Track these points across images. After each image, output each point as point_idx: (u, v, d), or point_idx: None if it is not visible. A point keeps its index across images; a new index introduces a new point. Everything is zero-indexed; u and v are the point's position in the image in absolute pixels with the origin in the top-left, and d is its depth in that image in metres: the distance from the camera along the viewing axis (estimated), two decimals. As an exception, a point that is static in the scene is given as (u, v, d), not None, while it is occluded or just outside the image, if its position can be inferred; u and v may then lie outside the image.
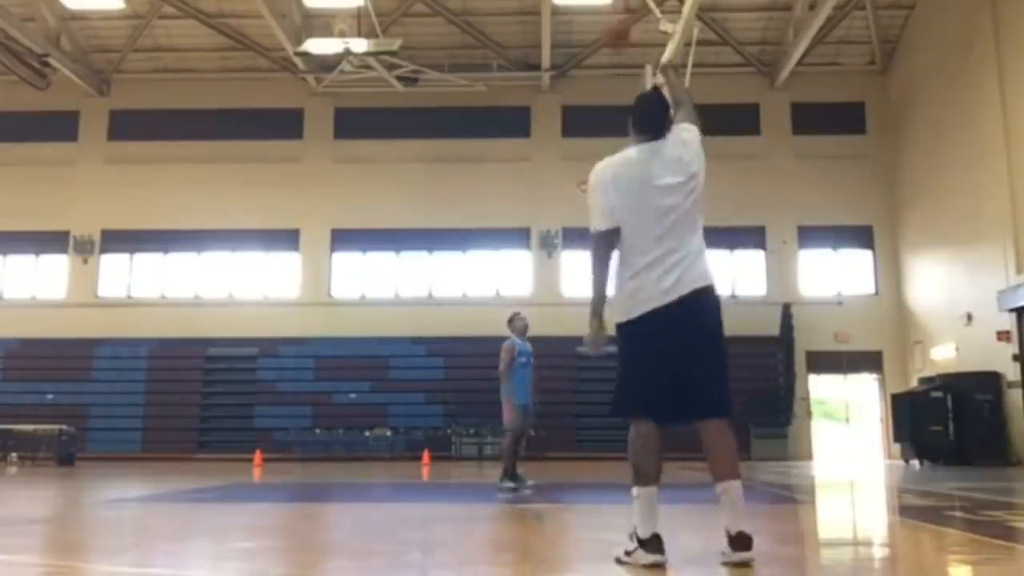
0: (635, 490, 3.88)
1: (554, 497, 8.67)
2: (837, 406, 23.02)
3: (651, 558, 3.76)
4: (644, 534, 3.80)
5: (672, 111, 4.23)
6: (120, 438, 21.17)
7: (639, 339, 3.93)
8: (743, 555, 3.73)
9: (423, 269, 22.82)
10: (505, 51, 22.54)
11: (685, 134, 4.14)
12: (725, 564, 3.79)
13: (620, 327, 4.01)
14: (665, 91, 4.51)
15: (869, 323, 21.79)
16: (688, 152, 4.07)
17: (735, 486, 3.81)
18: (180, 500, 8.52)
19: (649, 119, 4.12)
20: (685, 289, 3.88)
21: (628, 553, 3.86)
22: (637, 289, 3.94)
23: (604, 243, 4.08)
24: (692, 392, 3.88)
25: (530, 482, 9.24)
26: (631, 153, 4.10)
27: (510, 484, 8.97)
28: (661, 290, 3.87)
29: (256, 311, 22.40)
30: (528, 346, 9.45)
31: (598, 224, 4.10)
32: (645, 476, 3.87)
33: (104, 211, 22.90)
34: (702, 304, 3.92)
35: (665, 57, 5.05)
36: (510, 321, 9.66)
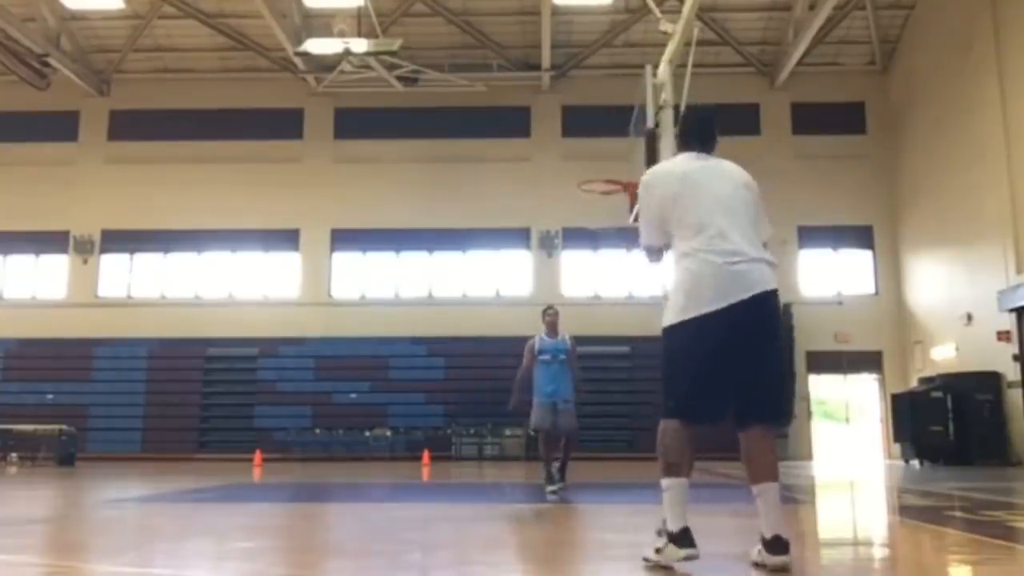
0: (665, 482, 3.76)
1: (554, 497, 8.66)
2: (837, 406, 23.01)
3: (683, 552, 3.66)
4: (674, 528, 3.70)
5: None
6: (120, 438, 21.17)
7: (694, 338, 3.76)
8: (779, 559, 3.63)
9: (423, 269, 22.82)
10: (505, 51, 22.54)
11: (736, 165, 4.14)
12: (759, 566, 3.72)
13: (674, 327, 3.83)
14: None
15: (869, 323, 21.79)
16: (740, 170, 4.09)
17: (773, 488, 3.72)
18: (180, 500, 8.52)
19: (703, 132, 4.11)
20: (748, 291, 3.73)
21: (658, 551, 3.75)
22: (695, 287, 3.76)
23: (654, 256, 4.09)
24: (754, 398, 3.78)
25: (552, 488, 8.51)
26: (682, 159, 4.09)
27: (550, 487, 8.47)
28: (723, 286, 3.71)
29: (256, 311, 22.40)
30: (563, 343, 8.96)
31: (648, 239, 4.05)
32: (676, 467, 3.75)
33: (104, 211, 22.90)
34: (765, 310, 3.79)
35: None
36: (542, 316, 9.27)
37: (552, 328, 9.04)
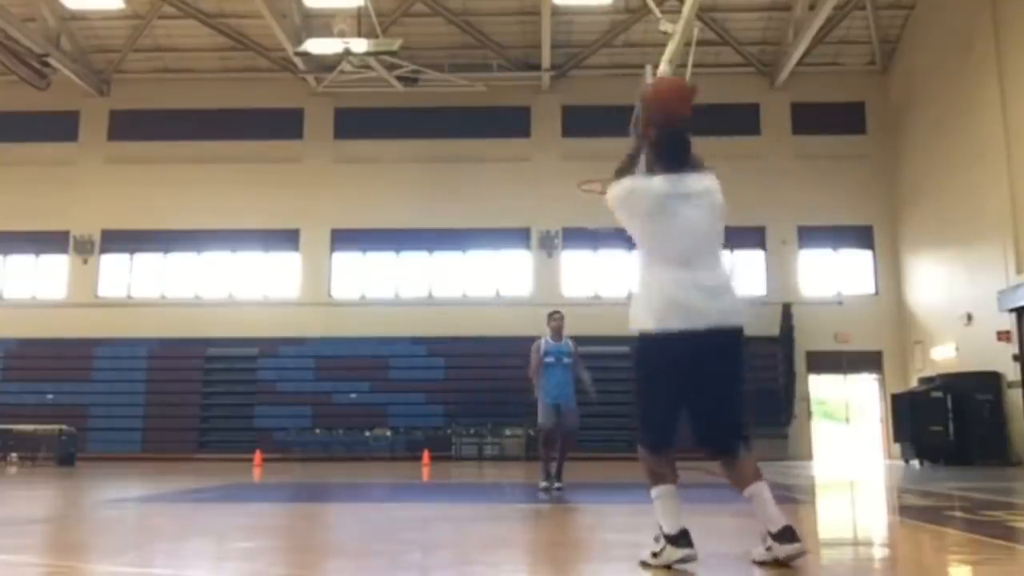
0: (654, 491, 3.87)
1: (554, 497, 8.66)
2: (837, 406, 23.01)
3: (682, 552, 3.72)
4: (671, 530, 3.77)
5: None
6: (120, 438, 21.17)
7: (662, 357, 3.87)
8: (794, 546, 3.68)
9: (423, 269, 22.81)
10: (505, 51, 22.54)
11: (711, 178, 4.14)
12: (761, 564, 3.76)
13: (643, 338, 3.94)
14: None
15: (869, 323, 21.79)
16: (714, 187, 4.08)
17: (761, 487, 3.79)
18: (180, 500, 8.52)
19: (677, 153, 4.09)
20: (720, 322, 3.84)
21: (655, 554, 3.80)
22: (664, 303, 3.86)
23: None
24: (711, 429, 3.90)
25: (546, 485, 8.96)
26: (655, 179, 4.07)
27: (543, 484, 8.97)
28: (693, 308, 3.81)
29: (256, 311, 22.40)
30: (565, 345, 9.33)
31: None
32: (661, 476, 3.88)
33: (104, 211, 22.90)
34: (732, 342, 3.89)
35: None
36: (548, 320, 9.58)
37: (557, 332, 9.37)
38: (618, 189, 4.09)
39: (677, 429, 3.93)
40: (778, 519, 3.72)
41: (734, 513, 6.15)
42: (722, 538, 4.03)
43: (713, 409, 3.88)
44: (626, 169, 4.18)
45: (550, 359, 9.23)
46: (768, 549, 3.77)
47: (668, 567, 3.73)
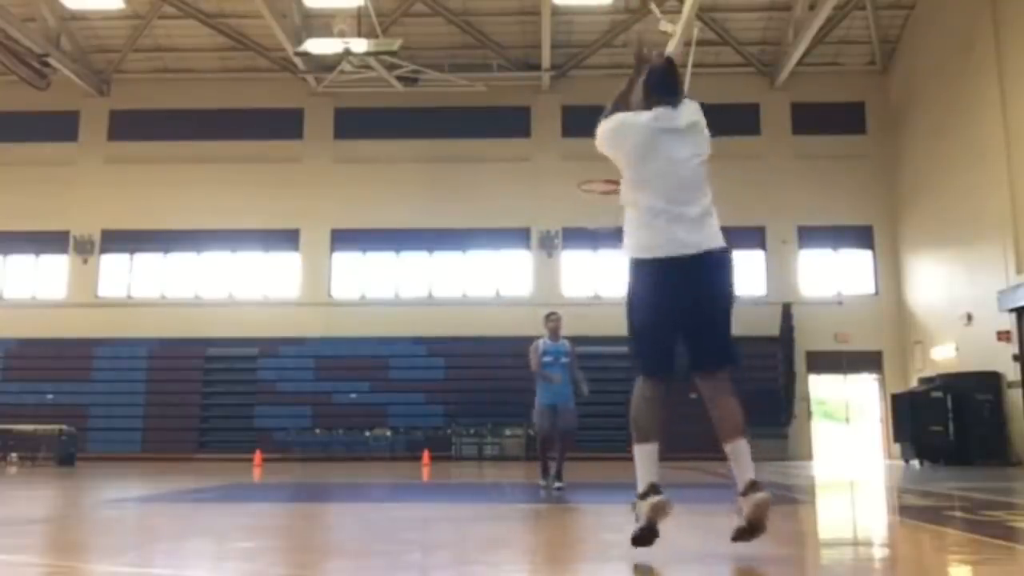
0: (636, 448, 3.94)
1: (554, 497, 8.66)
2: (837, 406, 23.02)
3: (651, 500, 3.80)
4: (641, 487, 3.85)
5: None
6: (120, 438, 21.18)
7: (655, 282, 4.01)
8: (759, 495, 3.78)
9: (423, 269, 22.83)
10: (505, 51, 22.55)
11: (696, 108, 4.26)
12: (742, 535, 3.84)
13: (635, 264, 4.09)
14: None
15: (869, 323, 21.79)
16: (701, 121, 4.22)
17: (742, 443, 3.92)
18: (180, 500, 8.52)
19: (668, 86, 4.21)
20: (705, 245, 3.98)
21: (637, 519, 3.88)
22: (652, 233, 4.01)
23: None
24: (707, 340, 4.02)
25: (545, 483, 9.24)
26: (646, 113, 4.18)
27: (543, 482, 9.25)
28: (678, 237, 3.96)
29: (256, 311, 22.40)
30: (562, 345, 9.46)
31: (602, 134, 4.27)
32: (645, 432, 3.95)
33: (104, 211, 22.90)
34: (721, 262, 4.05)
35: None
36: (545, 321, 9.73)
37: (555, 333, 9.50)
38: (608, 123, 4.25)
39: (673, 357, 4.02)
40: (747, 474, 3.85)
41: (733, 512, 6.15)
42: (721, 537, 4.03)
43: (705, 326, 4.01)
44: (618, 104, 4.34)
45: (548, 359, 9.37)
46: (739, 510, 3.86)
47: (647, 527, 3.80)
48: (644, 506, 3.81)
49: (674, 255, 3.94)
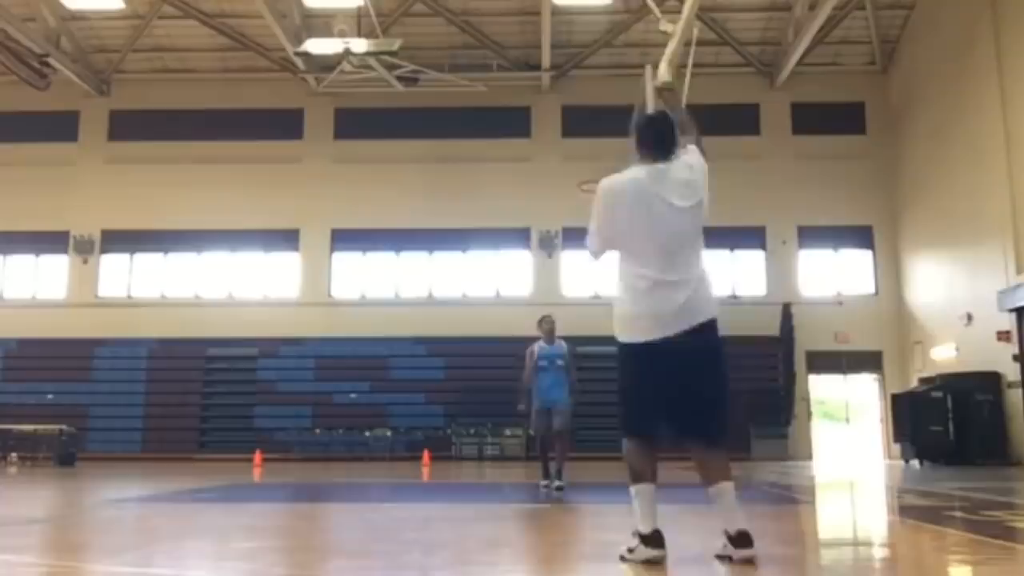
0: (633, 488, 3.98)
1: (554, 497, 8.67)
2: (837, 406, 23.01)
3: (650, 553, 3.85)
4: (645, 530, 3.89)
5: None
6: (120, 438, 21.18)
7: (642, 363, 3.99)
8: (746, 552, 3.81)
9: (423, 269, 22.82)
10: (505, 51, 22.54)
11: (692, 158, 4.13)
12: (727, 561, 3.85)
13: (623, 346, 4.06)
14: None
15: (869, 323, 21.79)
16: (695, 176, 4.06)
17: (727, 487, 3.91)
18: (180, 500, 8.52)
19: (659, 142, 4.08)
20: (692, 321, 3.92)
21: (631, 550, 3.93)
22: (640, 314, 3.96)
23: (595, 257, 4.23)
24: (693, 420, 3.98)
25: (546, 483, 9.34)
26: (640, 172, 4.06)
27: (543, 482, 9.36)
28: (667, 316, 3.90)
29: (256, 311, 22.40)
30: (558, 348, 9.53)
31: (593, 245, 4.19)
32: (641, 474, 3.98)
33: (104, 211, 22.90)
34: (707, 339, 3.98)
35: (659, 76, 4.98)
36: (538, 325, 9.73)
37: (549, 336, 9.55)
38: (606, 182, 4.13)
39: (659, 422, 4.04)
40: (737, 522, 3.84)
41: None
42: (721, 538, 4.03)
43: (695, 402, 3.96)
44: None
45: (543, 363, 9.43)
46: (724, 547, 3.90)
47: (645, 563, 3.84)
48: (644, 553, 3.86)
49: (661, 337, 3.89)
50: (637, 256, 3.99)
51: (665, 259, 3.93)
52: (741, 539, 3.81)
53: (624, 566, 3.89)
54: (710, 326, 3.98)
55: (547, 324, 9.60)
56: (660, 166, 4.02)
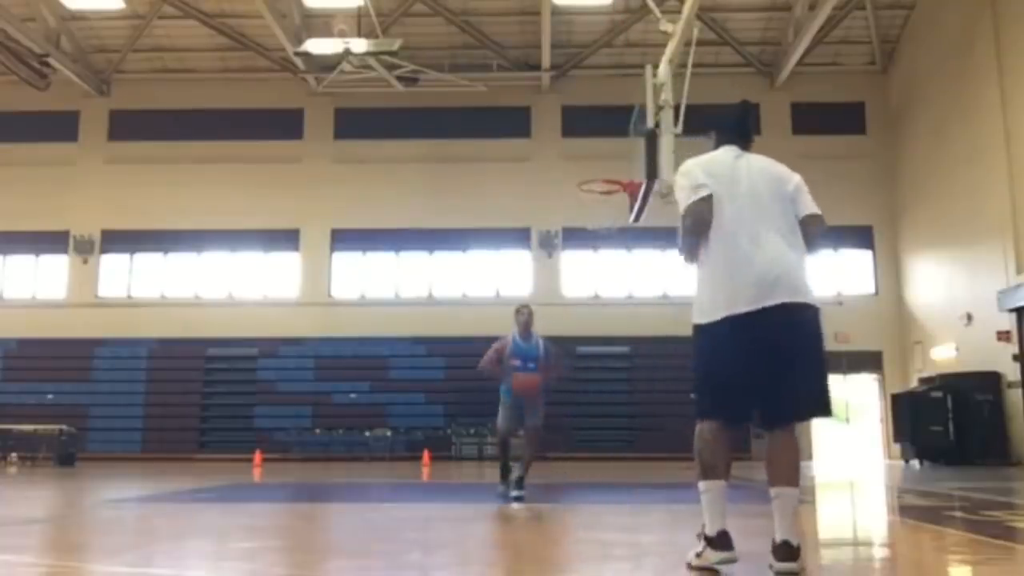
0: (702, 484, 3.75)
1: (553, 497, 8.66)
2: (837, 406, 22.96)
3: (719, 555, 3.64)
4: (712, 531, 3.69)
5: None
6: (120, 438, 21.18)
7: (724, 340, 3.72)
8: (785, 565, 3.55)
9: (423, 269, 22.82)
10: (505, 51, 22.54)
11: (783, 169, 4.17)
12: (696, 569, 3.71)
13: (701, 328, 3.81)
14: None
15: (869, 323, 21.78)
16: (780, 169, 4.12)
17: (790, 493, 3.67)
18: (180, 500, 8.52)
19: (741, 126, 4.13)
20: (784, 297, 3.69)
21: (698, 555, 3.74)
22: (729, 279, 3.73)
23: (697, 219, 3.84)
24: (784, 397, 3.71)
25: (508, 488, 8.25)
26: (721, 150, 4.06)
27: (502, 486, 8.45)
28: (758, 286, 3.68)
29: (256, 311, 22.40)
30: (534, 347, 8.37)
31: (689, 196, 3.87)
32: (712, 470, 3.74)
33: (104, 211, 22.90)
34: (804, 317, 3.75)
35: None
36: (515, 315, 8.61)
37: (525, 328, 8.42)
38: (687, 164, 4.01)
39: (744, 406, 3.75)
40: (785, 532, 3.59)
41: (740, 514, 6.14)
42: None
43: (791, 378, 3.67)
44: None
45: (516, 363, 8.25)
46: (770, 566, 3.63)
47: (710, 570, 3.67)
48: (712, 556, 3.65)
49: (756, 308, 3.67)
50: (725, 229, 3.82)
51: (756, 232, 3.81)
52: (783, 549, 3.56)
53: (624, 566, 3.87)
54: (807, 308, 3.78)
55: (523, 315, 8.41)
56: (741, 153, 4.06)
